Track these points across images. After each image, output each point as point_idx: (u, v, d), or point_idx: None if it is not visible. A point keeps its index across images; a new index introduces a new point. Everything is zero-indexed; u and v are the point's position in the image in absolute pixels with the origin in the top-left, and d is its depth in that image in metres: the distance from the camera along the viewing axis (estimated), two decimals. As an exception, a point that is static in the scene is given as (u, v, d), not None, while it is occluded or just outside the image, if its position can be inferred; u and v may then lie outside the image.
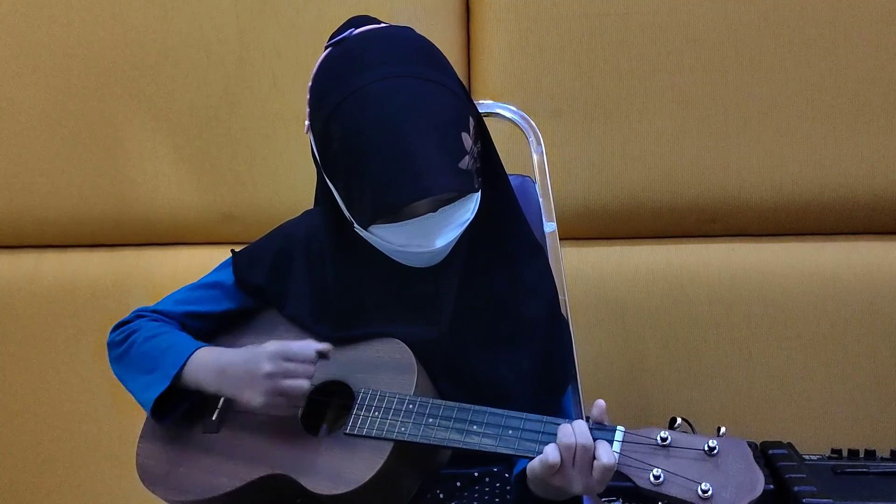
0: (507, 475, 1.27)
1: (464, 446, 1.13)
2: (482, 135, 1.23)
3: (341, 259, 1.27)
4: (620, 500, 1.60)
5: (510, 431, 1.11)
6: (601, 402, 1.10)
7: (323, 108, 1.16)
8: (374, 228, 1.17)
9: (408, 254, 1.19)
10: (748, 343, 1.91)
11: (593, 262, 1.93)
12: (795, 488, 1.54)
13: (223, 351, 1.25)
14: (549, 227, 1.59)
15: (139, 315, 1.33)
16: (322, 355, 1.21)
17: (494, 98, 1.80)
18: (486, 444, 1.12)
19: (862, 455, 1.69)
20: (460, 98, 1.18)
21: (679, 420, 1.12)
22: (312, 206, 1.37)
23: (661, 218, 1.92)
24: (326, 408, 1.28)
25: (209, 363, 1.24)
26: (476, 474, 1.27)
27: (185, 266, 1.98)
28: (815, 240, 1.93)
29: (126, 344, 1.30)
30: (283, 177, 1.95)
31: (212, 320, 1.34)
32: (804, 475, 1.59)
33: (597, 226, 1.94)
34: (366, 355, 1.24)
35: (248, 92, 1.93)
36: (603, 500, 1.60)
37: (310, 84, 1.21)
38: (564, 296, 1.51)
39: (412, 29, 1.23)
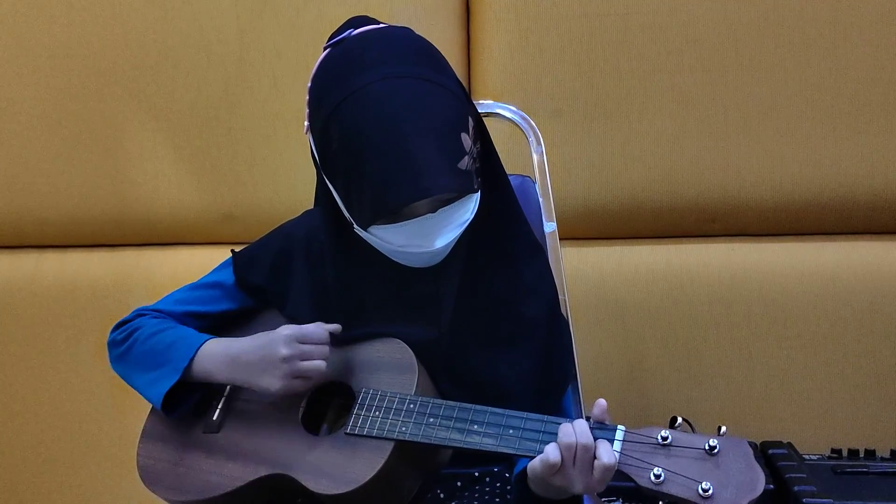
0: (507, 475, 1.27)
1: (465, 446, 1.13)
2: (482, 135, 1.23)
3: (341, 259, 1.27)
4: (621, 500, 1.60)
5: (511, 431, 1.11)
6: (602, 402, 1.10)
7: (322, 108, 1.16)
8: (374, 229, 1.17)
9: (407, 254, 1.19)
10: (748, 343, 1.91)
11: (593, 262, 1.93)
12: (795, 488, 1.54)
13: (232, 341, 1.26)
14: (549, 227, 1.59)
15: (140, 314, 1.34)
16: (334, 336, 1.23)
17: (494, 98, 1.80)
18: (487, 443, 1.12)
19: (862, 455, 1.69)
20: (459, 98, 1.18)
21: (679, 419, 1.13)
22: (312, 207, 1.37)
23: (661, 218, 1.92)
24: (327, 408, 1.29)
25: (219, 353, 1.24)
26: (476, 474, 1.27)
27: (185, 266, 1.98)
28: (814, 240, 1.93)
29: (129, 342, 1.30)
30: (283, 177, 1.95)
31: (211, 320, 1.35)
32: (804, 475, 1.59)
33: (597, 226, 1.94)
34: (366, 355, 1.24)
35: (248, 92, 1.93)
36: (603, 499, 1.60)
37: (309, 84, 1.21)
38: (564, 296, 1.51)
39: (411, 29, 1.23)
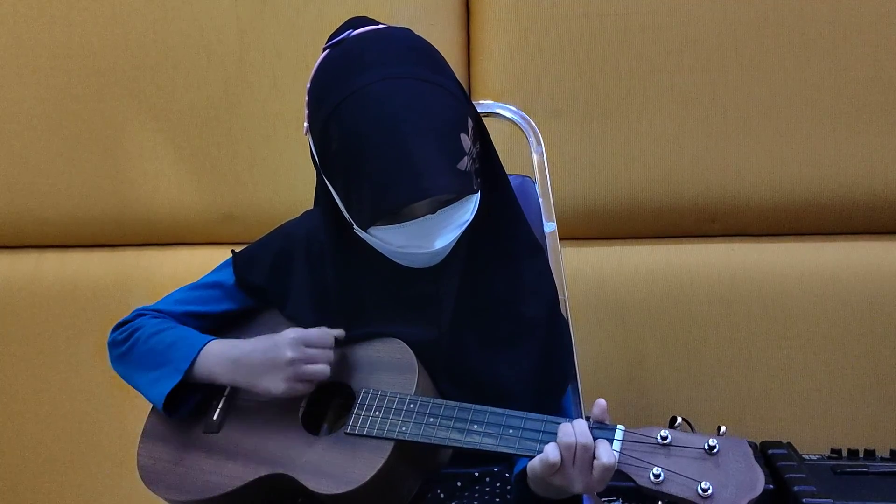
0: (507, 475, 1.27)
1: (465, 446, 1.13)
2: (481, 135, 1.23)
3: (341, 259, 1.27)
4: (620, 500, 1.60)
5: (511, 431, 1.11)
6: (602, 402, 1.10)
7: (322, 109, 1.16)
8: (374, 230, 1.17)
9: (407, 255, 1.19)
10: (748, 343, 1.91)
11: (593, 262, 1.93)
12: (795, 488, 1.54)
13: (235, 342, 1.26)
14: (549, 227, 1.59)
15: (140, 314, 1.33)
16: (338, 341, 1.23)
17: (494, 98, 1.80)
18: (487, 443, 1.12)
19: (861, 455, 1.69)
20: (459, 99, 1.18)
21: (679, 419, 1.13)
22: (312, 207, 1.37)
23: (661, 218, 1.92)
24: (327, 407, 1.29)
25: (222, 354, 1.24)
26: (476, 474, 1.27)
27: (185, 266, 1.98)
28: (814, 240, 1.93)
29: (130, 342, 1.30)
30: (283, 177, 1.95)
31: (212, 320, 1.35)
32: (804, 475, 1.59)
33: (597, 226, 1.94)
34: (366, 355, 1.24)
35: (248, 92, 1.93)
36: (603, 499, 1.60)
37: (308, 85, 1.21)
38: (564, 296, 1.51)
39: (410, 30, 1.23)
